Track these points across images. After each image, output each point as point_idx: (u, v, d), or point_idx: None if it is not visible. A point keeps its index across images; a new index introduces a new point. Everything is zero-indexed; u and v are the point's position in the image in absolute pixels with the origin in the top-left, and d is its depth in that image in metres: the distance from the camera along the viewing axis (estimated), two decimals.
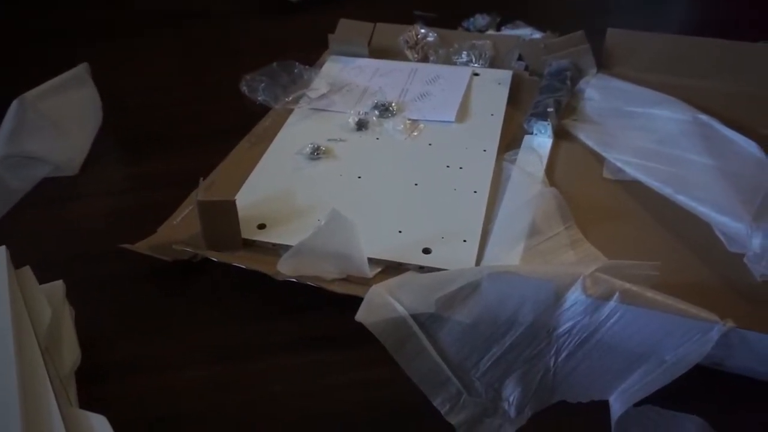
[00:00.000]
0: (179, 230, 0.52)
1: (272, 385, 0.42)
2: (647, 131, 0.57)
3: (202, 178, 0.53)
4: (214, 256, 0.48)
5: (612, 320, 0.37)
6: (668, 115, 0.58)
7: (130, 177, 0.62)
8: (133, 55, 0.81)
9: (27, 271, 0.41)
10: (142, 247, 0.49)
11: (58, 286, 0.43)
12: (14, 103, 0.56)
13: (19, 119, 0.55)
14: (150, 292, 0.48)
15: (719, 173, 0.51)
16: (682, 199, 0.51)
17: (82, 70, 0.64)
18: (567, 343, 0.38)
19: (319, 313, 0.46)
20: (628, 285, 0.37)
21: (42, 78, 0.61)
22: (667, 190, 0.52)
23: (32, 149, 0.57)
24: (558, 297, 0.38)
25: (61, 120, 0.60)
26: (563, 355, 0.39)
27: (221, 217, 0.48)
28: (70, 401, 0.37)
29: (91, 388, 0.41)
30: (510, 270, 0.40)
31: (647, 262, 0.41)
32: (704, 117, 0.57)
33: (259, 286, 0.46)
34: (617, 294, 0.37)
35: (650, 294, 0.37)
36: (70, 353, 0.40)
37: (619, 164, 0.55)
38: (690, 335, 0.36)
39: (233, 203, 0.48)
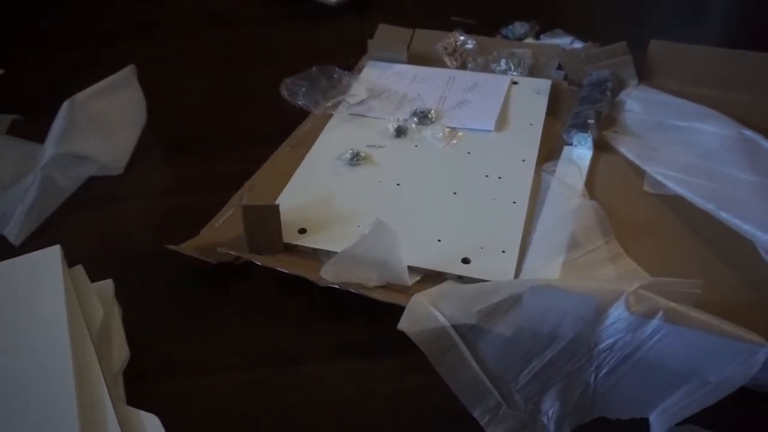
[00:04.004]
0: (222, 232, 0.53)
1: (314, 390, 0.43)
2: (689, 145, 0.57)
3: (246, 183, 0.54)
4: (257, 260, 0.48)
5: (655, 338, 0.37)
6: (711, 130, 0.57)
7: (172, 177, 0.63)
8: (175, 57, 0.83)
9: (80, 269, 0.43)
10: (186, 248, 0.50)
11: (108, 285, 0.44)
12: (65, 104, 0.57)
13: (69, 120, 0.57)
14: (194, 293, 0.49)
15: (764, 190, 0.50)
16: (724, 215, 0.50)
17: (129, 72, 0.65)
18: (608, 359, 0.38)
19: (360, 318, 0.46)
20: (672, 304, 0.37)
21: (89, 77, 0.63)
22: (709, 206, 0.51)
23: (81, 149, 0.58)
24: (600, 313, 0.38)
25: (109, 121, 0.61)
26: (604, 371, 0.39)
27: (264, 221, 0.49)
28: (121, 399, 0.38)
29: (135, 386, 0.42)
30: (552, 284, 0.40)
31: (690, 280, 0.41)
32: (749, 132, 0.56)
33: (301, 289, 0.47)
34: (661, 312, 0.37)
35: (695, 314, 0.37)
36: (120, 352, 0.41)
37: (660, 178, 0.55)
38: (735, 357, 0.36)
39: (277, 208, 0.49)
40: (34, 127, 0.62)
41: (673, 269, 0.45)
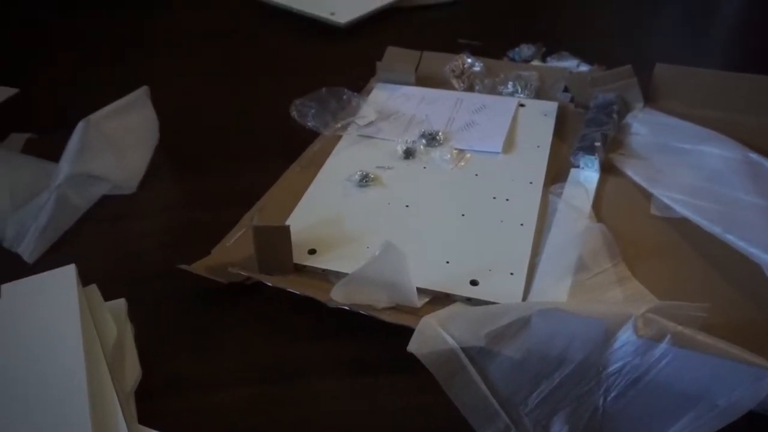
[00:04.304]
0: (233, 252, 0.53)
1: (323, 405, 0.43)
2: (696, 168, 0.57)
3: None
4: (269, 281, 0.49)
5: (663, 362, 0.37)
6: (718, 153, 0.58)
7: (184, 196, 0.64)
8: (186, 76, 0.84)
9: (94, 289, 0.43)
10: (198, 268, 0.51)
11: (121, 303, 0.45)
12: (80, 125, 0.58)
13: (84, 140, 0.58)
14: (204, 311, 0.50)
15: None
16: (731, 238, 0.51)
17: (142, 92, 0.66)
18: (616, 383, 0.39)
19: (369, 338, 0.47)
20: (680, 327, 0.38)
21: (102, 96, 0.64)
22: (716, 229, 0.52)
23: (95, 168, 0.59)
24: (608, 336, 0.39)
25: (122, 140, 0.62)
26: (612, 394, 0.39)
27: (275, 242, 0.50)
28: (133, 418, 0.38)
29: (146, 404, 0.42)
30: (560, 307, 0.41)
31: (697, 304, 0.42)
32: (754, 156, 0.57)
33: (311, 308, 0.48)
34: (669, 336, 0.37)
35: (702, 337, 0.37)
36: (132, 371, 0.41)
37: (667, 201, 0.55)
38: (743, 381, 0.36)
39: (287, 229, 0.49)
40: (48, 145, 0.63)
41: (680, 292, 0.46)
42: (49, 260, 0.54)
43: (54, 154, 0.60)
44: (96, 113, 0.61)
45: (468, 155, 0.63)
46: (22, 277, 0.45)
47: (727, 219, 0.52)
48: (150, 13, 1.02)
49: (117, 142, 0.62)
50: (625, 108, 0.67)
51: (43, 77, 0.84)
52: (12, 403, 0.36)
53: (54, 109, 0.76)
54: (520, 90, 0.73)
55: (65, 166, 0.57)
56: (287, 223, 0.54)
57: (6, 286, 0.44)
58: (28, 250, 0.54)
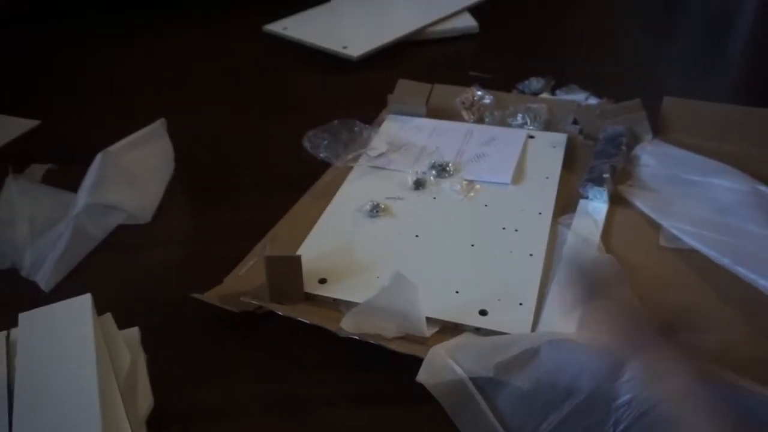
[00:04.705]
0: (244, 281, 0.54)
1: None
2: (705, 200, 0.58)
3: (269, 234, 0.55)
4: (279, 310, 0.50)
5: None
6: (727, 185, 0.58)
7: (197, 226, 0.65)
8: (200, 108, 0.86)
9: (108, 318, 0.44)
10: (210, 297, 0.51)
11: (135, 332, 0.45)
12: (99, 156, 0.60)
13: (102, 171, 0.60)
14: (216, 340, 0.50)
15: None
16: (741, 270, 0.51)
17: (159, 125, 0.68)
18: (626, 415, 0.38)
19: (379, 368, 0.47)
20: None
21: (119, 128, 0.66)
22: (725, 261, 0.52)
23: (111, 199, 0.61)
24: (617, 368, 0.39)
25: (139, 172, 0.64)
26: (621, 427, 0.39)
27: (286, 272, 0.50)
28: None
29: None
30: (569, 338, 0.41)
31: (707, 335, 0.42)
32: (763, 188, 0.57)
33: (322, 338, 0.48)
34: None
35: (713, 370, 0.37)
36: (144, 399, 0.42)
37: (676, 232, 0.56)
38: (751, 414, 0.36)
39: (298, 259, 0.50)
40: (66, 176, 0.65)
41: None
42: (65, 288, 0.55)
43: (73, 185, 0.62)
44: (114, 145, 0.62)
45: (478, 186, 0.64)
46: (39, 305, 0.46)
47: (736, 251, 0.52)
48: (165, 47, 1.04)
49: (133, 173, 0.63)
50: (634, 140, 0.68)
51: (63, 109, 0.86)
52: (27, 430, 0.37)
53: (73, 141, 0.78)
54: (529, 122, 0.74)
55: (83, 196, 0.59)
56: (298, 252, 0.55)
57: (23, 315, 0.45)
58: (44, 278, 0.55)
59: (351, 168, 0.68)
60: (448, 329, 0.48)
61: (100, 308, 0.47)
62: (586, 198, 0.61)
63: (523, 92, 0.82)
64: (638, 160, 0.65)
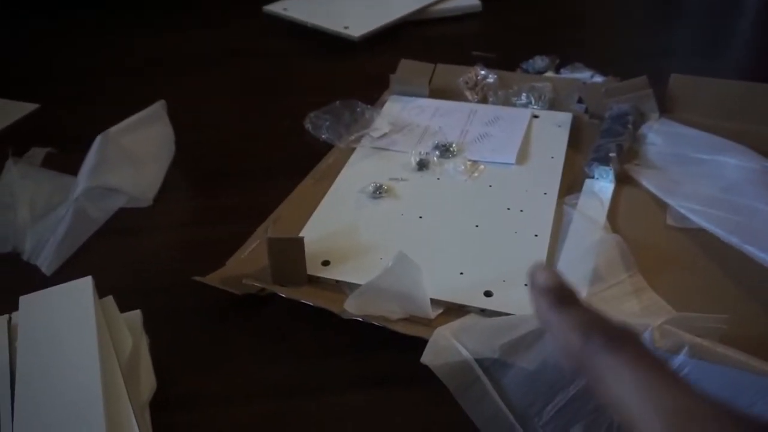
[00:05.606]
0: (247, 264, 0.53)
1: (339, 421, 0.43)
2: (712, 178, 0.57)
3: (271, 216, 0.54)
4: (282, 292, 0.49)
5: (680, 374, 0.37)
6: (734, 163, 0.57)
7: (199, 209, 0.65)
8: (202, 91, 0.85)
9: (110, 300, 0.44)
10: (213, 280, 0.51)
11: (137, 315, 0.45)
12: (98, 139, 0.59)
13: (102, 153, 0.59)
14: (219, 323, 0.50)
15: None
16: (749, 248, 0.50)
17: (159, 107, 0.68)
18: None
19: (383, 350, 0.46)
20: (698, 339, 0.37)
21: (120, 111, 0.65)
22: (733, 240, 0.51)
23: (112, 182, 0.60)
24: None
25: (139, 154, 0.63)
26: None
27: (289, 254, 0.50)
28: (148, 429, 0.38)
29: (160, 416, 0.42)
30: None
31: (715, 315, 0.41)
32: None
33: (325, 320, 0.48)
34: (686, 348, 0.37)
35: (721, 349, 0.37)
36: (147, 382, 0.42)
37: (683, 211, 0.55)
38: (763, 393, 0.36)
39: (301, 240, 0.50)
40: (66, 159, 0.64)
41: (697, 303, 0.45)
42: (66, 272, 0.55)
43: (73, 168, 0.61)
44: (114, 127, 0.62)
45: (482, 166, 0.63)
46: (40, 289, 0.46)
47: (744, 229, 0.51)
48: (166, 31, 1.03)
49: (134, 156, 0.63)
50: (641, 118, 0.67)
51: (64, 92, 0.85)
52: (28, 414, 0.37)
53: (74, 124, 0.77)
54: (533, 101, 0.73)
55: (83, 179, 0.58)
56: (301, 234, 0.55)
57: (24, 298, 0.45)
58: (46, 262, 0.55)
59: (353, 149, 0.67)
60: (453, 310, 0.48)
61: (101, 291, 0.46)
62: (592, 177, 0.60)
63: (527, 71, 0.81)
64: (645, 138, 0.65)
